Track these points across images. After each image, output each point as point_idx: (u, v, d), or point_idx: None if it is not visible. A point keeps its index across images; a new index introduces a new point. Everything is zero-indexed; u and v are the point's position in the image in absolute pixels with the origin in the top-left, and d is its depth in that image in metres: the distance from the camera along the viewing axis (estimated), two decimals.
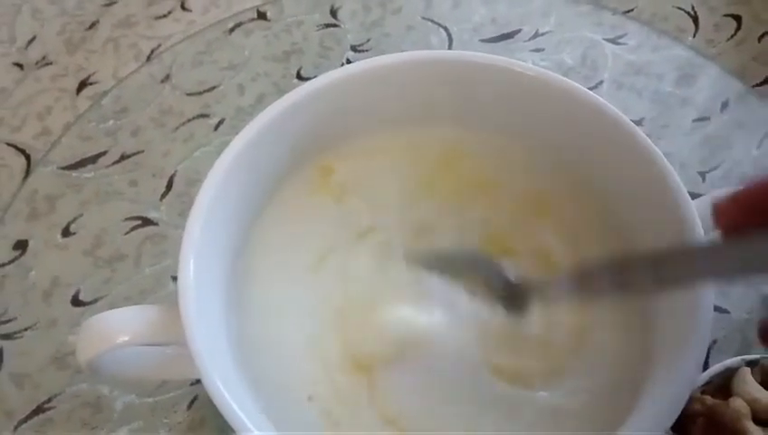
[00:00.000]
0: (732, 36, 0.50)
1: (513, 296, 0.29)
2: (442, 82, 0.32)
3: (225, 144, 0.29)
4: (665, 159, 0.29)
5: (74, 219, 0.41)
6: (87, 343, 0.27)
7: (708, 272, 0.24)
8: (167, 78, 0.46)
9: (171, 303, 0.26)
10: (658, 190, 0.28)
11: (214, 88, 0.45)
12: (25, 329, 0.37)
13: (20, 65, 0.47)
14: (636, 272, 0.25)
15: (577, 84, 0.31)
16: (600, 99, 0.30)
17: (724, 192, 0.24)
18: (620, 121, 0.30)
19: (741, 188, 0.23)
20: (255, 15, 0.48)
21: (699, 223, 0.27)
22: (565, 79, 0.31)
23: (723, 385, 0.31)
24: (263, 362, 0.29)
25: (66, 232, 0.40)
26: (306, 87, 0.31)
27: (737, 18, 0.50)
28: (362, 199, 0.33)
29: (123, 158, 0.43)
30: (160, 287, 0.38)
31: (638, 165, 0.29)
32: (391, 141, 0.34)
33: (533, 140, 0.33)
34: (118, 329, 0.27)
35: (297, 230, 0.32)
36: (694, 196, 0.41)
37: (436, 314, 0.30)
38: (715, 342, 0.36)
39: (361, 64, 0.32)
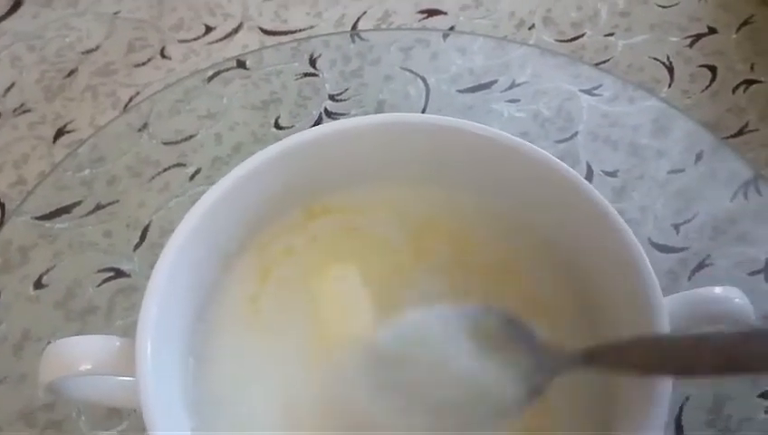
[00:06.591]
0: (707, 87, 0.50)
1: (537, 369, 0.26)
2: (413, 143, 0.32)
3: (199, 194, 0.29)
4: (634, 238, 0.29)
5: (47, 271, 0.40)
6: (49, 366, 0.27)
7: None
8: (144, 127, 0.46)
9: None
10: (628, 270, 0.29)
11: (191, 137, 0.46)
12: None
13: None
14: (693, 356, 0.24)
15: (542, 150, 0.31)
16: (565, 165, 0.31)
17: None
18: (582, 187, 0.30)
19: None
20: (235, 64, 0.48)
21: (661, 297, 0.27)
22: (540, 150, 0.31)
23: None
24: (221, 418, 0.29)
25: (38, 284, 0.40)
26: (282, 144, 0.32)
27: (712, 69, 0.51)
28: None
29: (98, 208, 0.43)
30: None
31: (610, 247, 0.29)
32: (374, 196, 0.34)
33: (504, 205, 0.33)
34: (80, 357, 0.27)
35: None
36: (668, 249, 0.42)
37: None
38: (687, 398, 0.36)
39: (336, 124, 0.33)
